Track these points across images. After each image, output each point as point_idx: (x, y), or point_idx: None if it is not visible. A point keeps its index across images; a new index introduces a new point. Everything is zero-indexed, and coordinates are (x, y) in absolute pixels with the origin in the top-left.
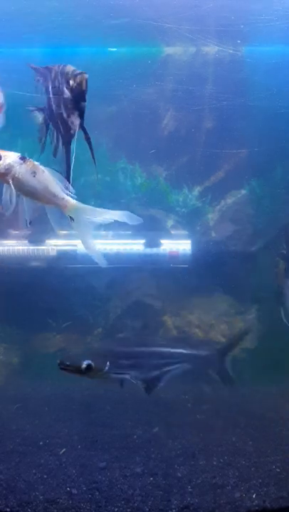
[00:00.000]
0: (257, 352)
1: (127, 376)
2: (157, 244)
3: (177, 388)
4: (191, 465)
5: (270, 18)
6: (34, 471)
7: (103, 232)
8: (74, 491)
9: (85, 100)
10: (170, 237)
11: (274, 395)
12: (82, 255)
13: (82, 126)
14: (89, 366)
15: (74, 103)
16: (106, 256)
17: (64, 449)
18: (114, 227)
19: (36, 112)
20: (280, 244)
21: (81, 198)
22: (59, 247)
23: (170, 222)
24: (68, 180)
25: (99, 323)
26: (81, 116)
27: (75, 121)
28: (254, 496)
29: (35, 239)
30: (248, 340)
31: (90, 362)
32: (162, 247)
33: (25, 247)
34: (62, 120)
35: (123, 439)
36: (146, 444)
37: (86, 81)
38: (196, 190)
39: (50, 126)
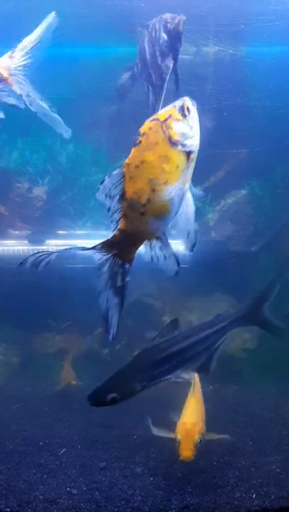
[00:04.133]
0: (257, 352)
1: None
2: None
3: (177, 388)
4: (191, 465)
5: (270, 18)
6: (34, 471)
7: (103, 232)
8: (74, 491)
9: (180, 42)
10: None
11: (274, 395)
12: (82, 255)
13: (174, 68)
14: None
15: (170, 45)
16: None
17: (64, 449)
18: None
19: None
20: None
21: (81, 197)
22: (59, 247)
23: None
24: None
25: (99, 323)
26: (175, 57)
27: (169, 63)
28: (254, 496)
29: (35, 239)
30: (248, 340)
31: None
32: None
33: (25, 247)
34: (155, 68)
35: (123, 439)
36: (146, 444)
37: (183, 22)
38: (196, 190)
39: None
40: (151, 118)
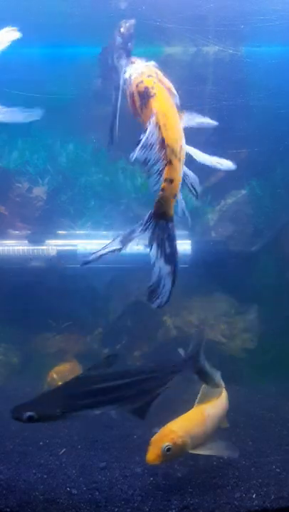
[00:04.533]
0: (257, 352)
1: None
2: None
3: (177, 388)
4: (191, 465)
5: (270, 18)
6: (34, 471)
7: (103, 233)
8: (74, 491)
9: (132, 42)
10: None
11: (274, 395)
12: (83, 255)
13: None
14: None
15: (123, 46)
16: (106, 256)
17: (64, 449)
18: (115, 227)
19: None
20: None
21: (81, 197)
22: (59, 247)
23: None
24: (113, 129)
25: (99, 323)
26: (128, 56)
27: (122, 61)
28: (254, 496)
29: (35, 239)
30: (248, 340)
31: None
32: None
33: (25, 247)
34: (114, 68)
35: (123, 439)
36: (146, 444)
37: (133, 25)
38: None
39: None
40: (145, 75)
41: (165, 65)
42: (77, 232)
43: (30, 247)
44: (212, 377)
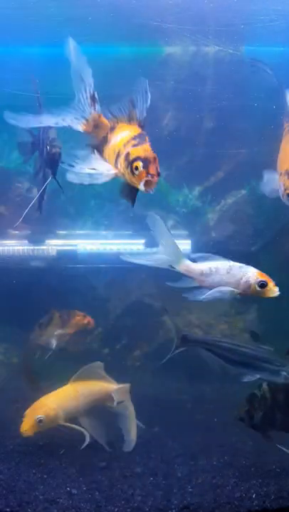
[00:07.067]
0: None
1: None
2: (157, 245)
3: (177, 388)
4: (191, 465)
5: (270, 18)
6: (34, 471)
7: (103, 232)
8: (74, 491)
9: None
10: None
11: None
12: (82, 255)
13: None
14: None
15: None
16: (106, 256)
17: (64, 449)
18: (115, 227)
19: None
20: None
21: (81, 197)
22: (59, 247)
23: (170, 222)
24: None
25: (99, 323)
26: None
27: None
28: (254, 496)
29: (35, 239)
30: (248, 340)
31: None
32: None
33: (25, 247)
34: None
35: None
36: (146, 444)
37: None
38: (196, 190)
39: None
40: None
41: (165, 65)
42: (77, 232)
43: (30, 247)
44: None
